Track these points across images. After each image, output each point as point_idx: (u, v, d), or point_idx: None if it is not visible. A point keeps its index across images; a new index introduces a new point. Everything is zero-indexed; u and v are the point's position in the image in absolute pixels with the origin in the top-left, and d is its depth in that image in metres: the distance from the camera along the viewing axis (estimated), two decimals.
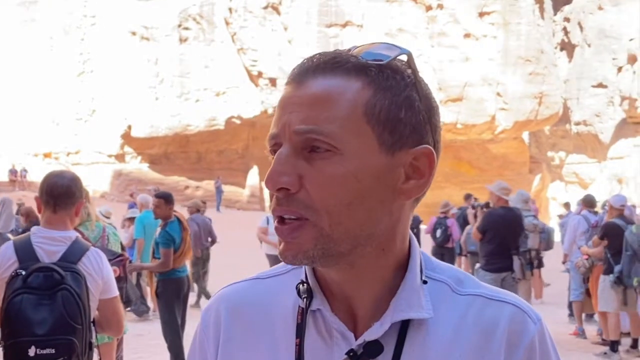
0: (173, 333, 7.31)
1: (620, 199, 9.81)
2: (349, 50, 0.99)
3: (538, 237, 10.91)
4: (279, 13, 33.58)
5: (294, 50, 32.76)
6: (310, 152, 0.94)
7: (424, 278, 1.03)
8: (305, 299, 1.01)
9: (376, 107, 0.95)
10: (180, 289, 7.45)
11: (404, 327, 1.00)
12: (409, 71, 0.98)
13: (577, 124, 42.48)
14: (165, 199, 7.63)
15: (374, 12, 34.02)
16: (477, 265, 9.47)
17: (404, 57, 0.98)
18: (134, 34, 32.22)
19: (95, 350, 3.19)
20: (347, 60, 0.96)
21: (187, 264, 7.95)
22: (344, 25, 34.00)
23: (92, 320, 3.07)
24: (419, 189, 0.99)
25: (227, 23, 33.08)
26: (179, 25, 32.67)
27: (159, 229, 7.60)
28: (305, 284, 1.02)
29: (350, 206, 0.94)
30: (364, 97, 0.95)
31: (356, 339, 0.99)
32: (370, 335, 0.98)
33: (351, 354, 0.98)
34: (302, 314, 1.02)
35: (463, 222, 14.03)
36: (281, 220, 0.95)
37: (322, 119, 0.94)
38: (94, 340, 3.08)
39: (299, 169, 0.94)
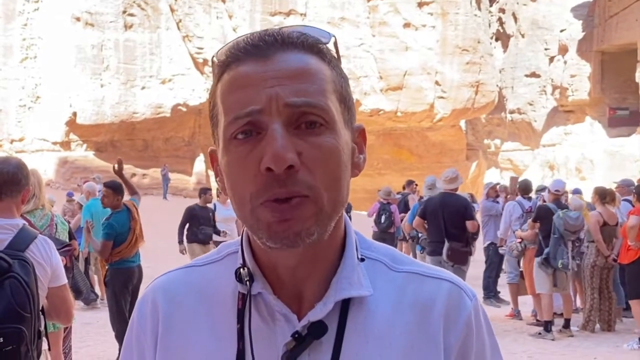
0: (121, 322, 7.24)
1: (557, 183, 10.19)
2: (280, 29, 0.97)
3: None
4: (223, 1, 33.67)
5: None
6: (296, 129, 0.91)
7: (360, 256, 1.02)
8: (247, 282, 0.98)
9: (337, 84, 0.96)
10: (129, 279, 7.46)
11: (344, 305, 0.99)
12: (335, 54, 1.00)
13: (512, 112, 43.85)
14: (113, 189, 7.57)
15: (317, 1, 34.47)
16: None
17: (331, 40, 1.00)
18: (78, 19, 31.85)
19: (44, 339, 3.07)
20: (305, 38, 0.96)
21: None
22: (288, 14, 34.36)
23: (41, 308, 2.96)
24: (364, 163, 1.02)
25: (172, 10, 33.03)
26: (124, 12, 32.40)
27: (103, 220, 7.62)
28: (245, 268, 0.99)
29: (339, 180, 0.94)
30: (330, 74, 0.96)
31: (300, 321, 0.98)
32: (314, 316, 0.97)
33: (296, 335, 0.96)
34: (243, 299, 1.00)
35: (404, 207, 14.51)
36: (278, 199, 0.91)
37: (312, 92, 0.92)
38: (42, 328, 2.96)
39: (297, 146, 0.90)
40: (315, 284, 0.99)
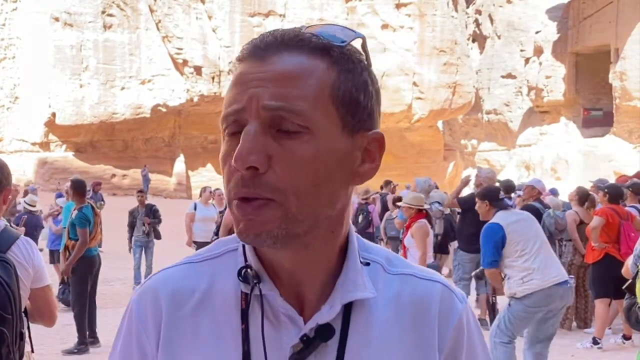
0: (81, 304, 8.40)
1: (540, 183, 10.64)
2: (301, 29, 0.97)
3: (443, 223, 11.20)
4: (203, 1, 33.57)
5: (218, 39, 33.16)
6: (278, 132, 0.91)
7: (361, 260, 1.02)
8: (255, 285, 0.97)
9: (340, 89, 0.94)
10: (92, 265, 8.64)
11: (347, 307, 0.99)
12: (362, 56, 0.98)
13: (488, 112, 44.24)
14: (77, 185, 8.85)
15: (296, 2, 34.54)
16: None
17: (357, 41, 0.98)
18: (57, 19, 31.69)
19: (28, 341, 3.03)
20: (310, 39, 0.94)
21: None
22: (267, 15, 34.37)
23: (23, 309, 2.90)
24: (371, 172, 0.99)
25: (151, 10, 32.91)
26: (103, 12, 32.24)
27: (75, 212, 8.57)
28: (251, 269, 0.98)
29: (317, 187, 0.92)
30: (330, 78, 0.94)
31: (305, 323, 0.97)
32: (322, 318, 0.97)
33: (304, 338, 0.96)
34: (246, 299, 0.98)
35: (382, 208, 14.58)
36: (244, 199, 0.92)
37: (293, 96, 0.91)
38: (25, 330, 2.91)
39: (268, 148, 0.91)
40: (316, 286, 0.99)
